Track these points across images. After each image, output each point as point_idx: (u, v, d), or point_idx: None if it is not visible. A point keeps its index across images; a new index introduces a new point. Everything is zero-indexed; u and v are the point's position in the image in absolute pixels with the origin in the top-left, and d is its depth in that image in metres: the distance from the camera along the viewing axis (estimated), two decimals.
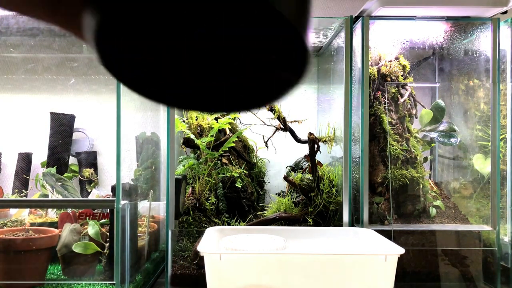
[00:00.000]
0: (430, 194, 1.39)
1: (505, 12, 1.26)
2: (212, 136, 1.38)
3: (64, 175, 1.47)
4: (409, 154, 1.36)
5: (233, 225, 1.32)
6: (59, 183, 1.39)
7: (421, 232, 1.26)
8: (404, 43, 1.45)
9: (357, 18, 1.30)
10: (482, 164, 1.38)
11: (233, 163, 1.46)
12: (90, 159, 1.61)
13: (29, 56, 1.62)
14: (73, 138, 1.60)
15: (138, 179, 1.36)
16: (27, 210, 1.46)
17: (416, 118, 1.45)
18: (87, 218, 1.29)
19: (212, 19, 0.17)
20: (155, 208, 1.48)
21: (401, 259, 0.90)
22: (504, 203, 1.32)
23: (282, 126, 1.46)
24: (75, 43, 1.60)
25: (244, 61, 0.18)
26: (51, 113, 1.55)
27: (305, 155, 1.52)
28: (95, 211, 1.29)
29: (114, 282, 1.11)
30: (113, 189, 1.20)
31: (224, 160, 1.44)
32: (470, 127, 1.46)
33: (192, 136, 1.38)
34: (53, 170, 1.45)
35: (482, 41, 1.36)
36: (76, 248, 1.20)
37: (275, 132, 1.49)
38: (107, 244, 1.21)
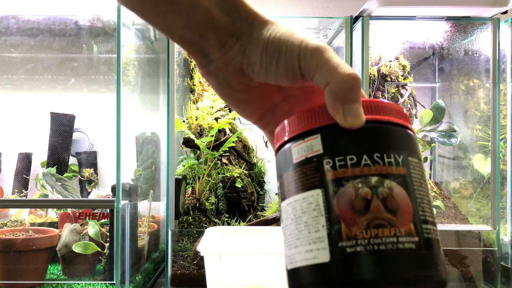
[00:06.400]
0: (430, 194, 1.38)
1: (505, 12, 1.26)
2: (212, 136, 1.38)
3: (64, 175, 1.47)
4: None
5: (233, 225, 1.32)
6: (59, 183, 1.39)
7: None
8: (404, 43, 1.45)
9: (357, 18, 1.30)
10: (482, 164, 1.38)
11: (233, 163, 1.46)
12: (90, 159, 1.61)
13: (29, 56, 1.62)
14: (73, 138, 1.60)
15: (138, 179, 1.36)
16: (27, 210, 1.46)
17: (416, 118, 1.44)
18: (87, 218, 1.29)
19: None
20: (155, 208, 1.48)
21: None
22: (504, 203, 1.31)
23: None
24: (75, 43, 1.60)
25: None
26: (51, 113, 1.54)
27: None
28: (95, 211, 1.29)
29: (114, 282, 1.11)
30: (113, 189, 1.20)
31: (224, 160, 1.44)
32: (470, 127, 1.46)
33: (192, 136, 1.38)
34: (53, 170, 1.45)
35: (482, 41, 1.36)
36: (76, 248, 1.20)
37: None
38: (107, 244, 1.21)
